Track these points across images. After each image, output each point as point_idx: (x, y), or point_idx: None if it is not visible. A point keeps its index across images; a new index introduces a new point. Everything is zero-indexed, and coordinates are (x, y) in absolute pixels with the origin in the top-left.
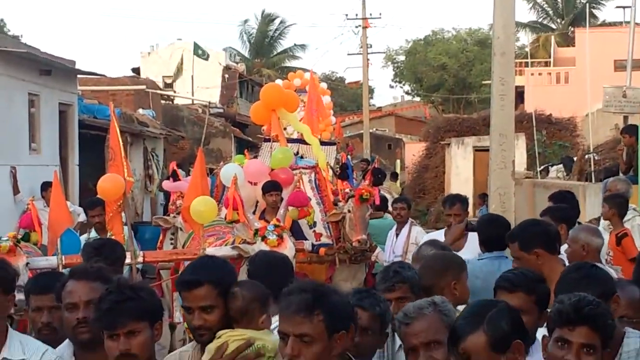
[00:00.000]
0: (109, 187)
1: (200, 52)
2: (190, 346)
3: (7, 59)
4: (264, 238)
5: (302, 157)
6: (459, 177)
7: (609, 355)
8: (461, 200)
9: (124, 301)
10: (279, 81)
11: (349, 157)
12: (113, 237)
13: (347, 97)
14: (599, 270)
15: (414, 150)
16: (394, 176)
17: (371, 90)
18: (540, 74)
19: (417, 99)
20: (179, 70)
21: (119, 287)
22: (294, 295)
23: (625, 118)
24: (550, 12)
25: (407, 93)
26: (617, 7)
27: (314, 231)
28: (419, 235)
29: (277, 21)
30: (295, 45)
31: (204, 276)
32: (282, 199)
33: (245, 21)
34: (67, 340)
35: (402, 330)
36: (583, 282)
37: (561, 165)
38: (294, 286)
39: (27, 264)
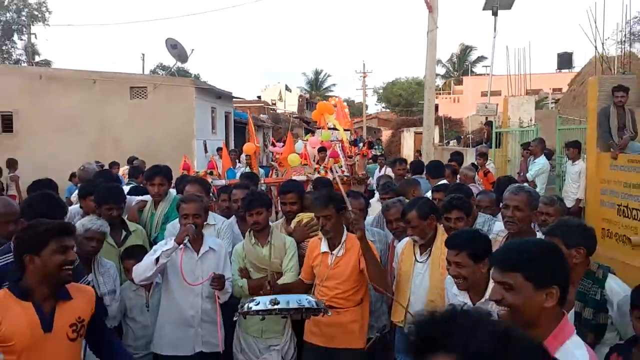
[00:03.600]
0: (251, 147)
1: (287, 88)
2: (279, 222)
3: (201, 91)
4: (319, 172)
5: (335, 136)
6: (407, 148)
7: (467, 223)
8: (402, 160)
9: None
10: (324, 102)
11: (357, 137)
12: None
13: (354, 109)
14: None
15: (387, 134)
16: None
17: (366, 106)
18: (446, 97)
19: (388, 110)
20: (280, 97)
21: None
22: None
23: (486, 118)
24: (451, 68)
25: (383, 107)
26: (484, 66)
27: (342, 169)
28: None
29: (322, 72)
30: (331, 84)
31: (292, 189)
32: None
33: (305, 73)
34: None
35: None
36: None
37: (455, 140)
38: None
39: (212, 181)
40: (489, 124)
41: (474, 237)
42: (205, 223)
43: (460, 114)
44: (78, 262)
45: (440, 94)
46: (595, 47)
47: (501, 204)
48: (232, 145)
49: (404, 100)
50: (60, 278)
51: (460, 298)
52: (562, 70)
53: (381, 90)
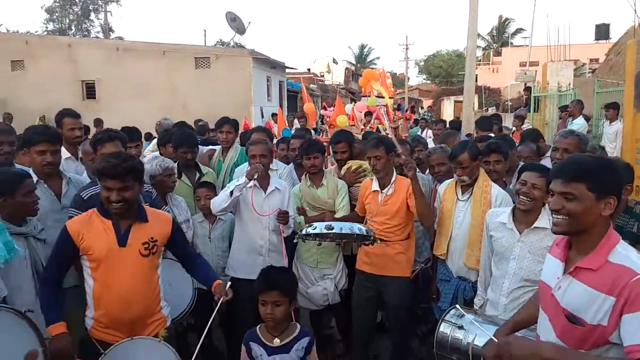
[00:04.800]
0: (310, 106)
1: (335, 61)
2: (332, 168)
3: (258, 61)
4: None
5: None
6: (446, 115)
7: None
8: (441, 121)
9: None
10: (370, 69)
11: (400, 104)
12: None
13: (396, 81)
14: None
15: (427, 104)
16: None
17: (408, 78)
18: (485, 68)
19: (429, 82)
20: (328, 70)
21: (311, 139)
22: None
23: (525, 84)
24: (490, 40)
25: (424, 79)
26: (523, 37)
27: (386, 131)
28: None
29: (367, 46)
30: (375, 57)
31: (343, 138)
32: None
33: (350, 47)
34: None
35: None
36: None
37: (494, 107)
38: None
39: None
40: (527, 89)
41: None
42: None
43: (499, 83)
44: (156, 195)
45: (479, 64)
46: (635, 10)
47: (551, 148)
48: (285, 113)
49: (444, 72)
50: (111, 209)
51: (508, 226)
52: (600, 41)
53: (422, 63)
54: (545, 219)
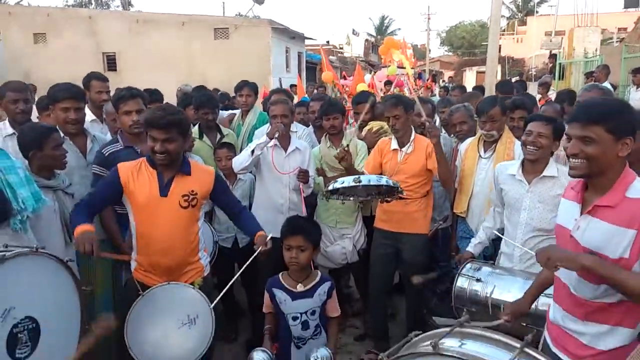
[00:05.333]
0: (329, 75)
1: (354, 33)
2: (352, 129)
3: (277, 31)
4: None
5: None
6: (469, 86)
7: None
8: (462, 87)
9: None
10: (391, 37)
11: (421, 72)
12: None
13: (417, 53)
14: None
15: (449, 75)
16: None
17: (429, 50)
18: (509, 38)
19: (450, 53)
20: (347, 41)
21: (331, 100)
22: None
23: (550, 52)
24: (515, 10)
25: (445, 51)
26: (549, 5)
27: None
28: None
29: (387, 17)
30: (396, 29)
31: (364, 99)
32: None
33: (370, 18)
34: None
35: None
36: None
37: (517, 77)
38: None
39: None
40: (553, 56)
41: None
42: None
43: (523, 54)
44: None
45: (503, 34)
46: None
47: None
48: (304, 84)
49: (467, 43)
50: (154, 159)
51: (517, 177)
52: (629, 9)
53: (444, 34)
54: (553, 167)
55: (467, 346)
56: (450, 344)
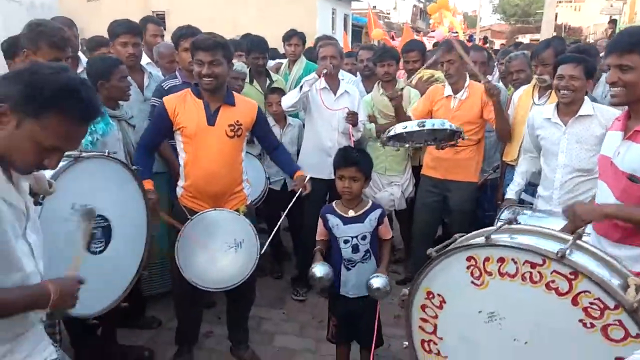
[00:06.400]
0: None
1: None
2: (403, 79)
3: None
4: None
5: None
6: None
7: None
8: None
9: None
10: None
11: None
12: None
13: (468, 21)
14: None
15: (501, 42)
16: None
17: (480, 18)
18: (567, 6)
19: (502, 22)
20: (394, 6)
21: (386, 47)
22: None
23: (610, 17)
24: None
25: (498, 19)
26: None
27: None
28: None
29: None
30: None
31: (415, 47)
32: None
33: None
34: None
35: None
36: None
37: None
38: None
39: None
40: (612, 22)
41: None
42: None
43: (581, 22)
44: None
45: (560, 1)
46: None
47: None
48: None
49: (521, 11)
50: (201, 84)
51: (553, 120)
52: None
53: (497, 1)
54: (588, 106)
55: (518, 239)
56: (501, 237)
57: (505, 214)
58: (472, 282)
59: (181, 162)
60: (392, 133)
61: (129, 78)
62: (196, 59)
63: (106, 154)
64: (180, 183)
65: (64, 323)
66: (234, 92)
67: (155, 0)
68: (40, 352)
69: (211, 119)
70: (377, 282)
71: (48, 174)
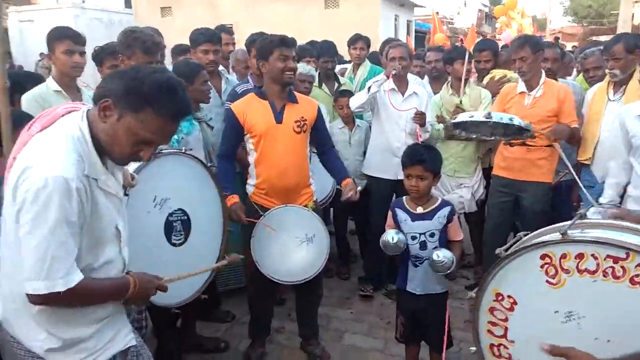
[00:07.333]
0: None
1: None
2: (471, 80)
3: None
4: None
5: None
6: None
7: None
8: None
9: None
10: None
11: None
12: None
13: (537, 23)
14: None
15: (572, 44)
16: None
17: (550, 20)
18: None
19: (574, 24)
20: (458, 12)
21: (457, 47)
22: None
23: None
24: None
25: (569, 21)
26: None
27: None
28: None
29: None
30: None
31: (488, 47)
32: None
33: None
34: None
35: None
36: None
37: None
38: None
39: None
40: None
41: None
42: None
43: None
44: None
45: (637, 1)
46: None
47: None
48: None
49: (594, 12)
50: (283, 80)
51: None
52: None
53: (568, 2)
54: None
55: (594, 233)
56: (575, 233)
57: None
58: (547, 281)
59: (251, 161)
60: (457, 120)
61: (209, 83)
62: (281, 54)
63: (183, 150)
64: (251, 181)
65: (149, 313)
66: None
67: (225, 13)
68: (122, 337)
69: (278, 117)
70: (440, 253)
71: (131, 167)
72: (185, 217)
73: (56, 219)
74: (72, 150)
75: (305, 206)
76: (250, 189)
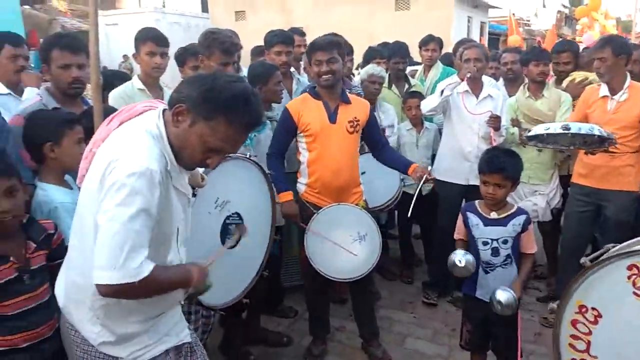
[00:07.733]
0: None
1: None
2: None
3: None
4: None
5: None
6: None
7: None
8: None
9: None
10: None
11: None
12: None
13: (622, 26)
14: None
15: None
16: None
17: (636, 23)
18: None
19: None
20: (535, 13)
21: (535, 48)
22: None
23: None
24: None
25: None
26: None
27: None
28: None
29: None
30: None
31: (568, 48)
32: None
33: None
34: None
35: None
36: None
37: None
38: None
39: None
40: None
41: None
42: None
43: None
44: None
45: None
46: None
47: None
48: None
49: None
50: (320, 83)
51: None
52: None
53: None
54: None
55: None
56: None
57: None
58: (634, 292)
59: (303, 160)
60: (532, 133)
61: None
62: (315, 59)
63: (247, 156)
64: (303, 180)
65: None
66: (345, 91)
67: (297, 17)
68: (177, 333)
69: (332, 117)
70: (501, 295)
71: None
72: (240, 221)
73: (139, 208)
74: (154, 145)
75: (357, 204)
76: (302, 188)
